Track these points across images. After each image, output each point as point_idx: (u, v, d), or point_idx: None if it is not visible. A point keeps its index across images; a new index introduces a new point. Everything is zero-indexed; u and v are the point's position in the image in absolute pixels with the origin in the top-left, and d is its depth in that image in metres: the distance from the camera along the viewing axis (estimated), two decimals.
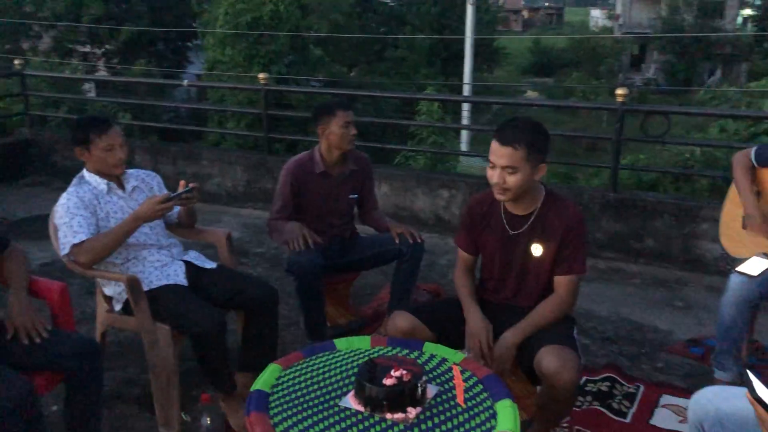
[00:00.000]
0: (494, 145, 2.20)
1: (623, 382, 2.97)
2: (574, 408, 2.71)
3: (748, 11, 34.93)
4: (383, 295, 3.79)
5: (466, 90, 17.26)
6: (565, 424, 2.63)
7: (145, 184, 2.83)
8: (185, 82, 6.99)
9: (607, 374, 3.01)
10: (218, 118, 17.41)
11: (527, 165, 2.18)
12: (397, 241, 3.18)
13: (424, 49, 26.63)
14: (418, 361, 2.09)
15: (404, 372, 1.86)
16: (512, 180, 2.19)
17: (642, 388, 2.93)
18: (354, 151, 3.33)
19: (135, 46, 22.92)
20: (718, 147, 10.90)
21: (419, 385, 1.86)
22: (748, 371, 1.45)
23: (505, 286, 2.43)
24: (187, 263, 2.76)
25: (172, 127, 14.89)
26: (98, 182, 2.67)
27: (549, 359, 2.09)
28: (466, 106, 13.77)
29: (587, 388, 2.90)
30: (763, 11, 31.10)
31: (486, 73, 31.55)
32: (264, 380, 1.97)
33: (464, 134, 15.00)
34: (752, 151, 2.86)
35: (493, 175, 2.22)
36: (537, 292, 2.37)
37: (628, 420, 2.72)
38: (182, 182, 2.58)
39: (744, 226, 2.84)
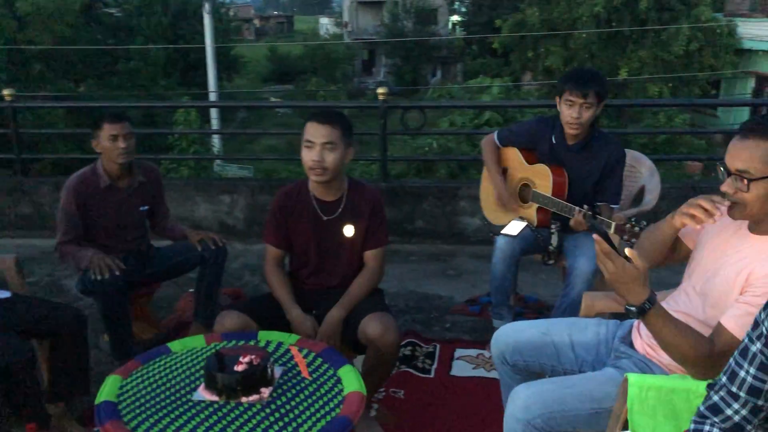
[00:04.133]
0: (313, 125, 2.38)
1: (422, 344, 3.34)
2: None
3: (456, 17, 39.08)
4: (183, 304, 3.76)
5: (213, 98, 17.11)
6: (381, 390, 2.90)
7: None
8: None
9: (408, 340, 3.36)
10: None
11: (342, 144, 2.41)
12: (199, 248, 3.19)
13: (160, 59, 25.62)
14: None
15: (253, 357, 1.97)
16: (330, 158, 2.39)
17: (438, 347, 3.34)
18: (142, 162, 3.28)
19: None
20: (473, 134, 13.02)
21: (268, 366, 1.98)
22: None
23: (322, 270, 2.62)
24: None
25: None
26: None
27: (373, 325, 2.34)
28: (214, 113, 13.73)
29: None
30: (468, 17, 35.11)
31: (226, 82, 31.27)
32: (107, 391, 1.94)
33: (216, 141, 14.91)
34: (495, 134, 3.40)
35: (312, 155, 2.39)
36: (352, 271, 2.60)
37: (432, 375, 3.09)
38: None
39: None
